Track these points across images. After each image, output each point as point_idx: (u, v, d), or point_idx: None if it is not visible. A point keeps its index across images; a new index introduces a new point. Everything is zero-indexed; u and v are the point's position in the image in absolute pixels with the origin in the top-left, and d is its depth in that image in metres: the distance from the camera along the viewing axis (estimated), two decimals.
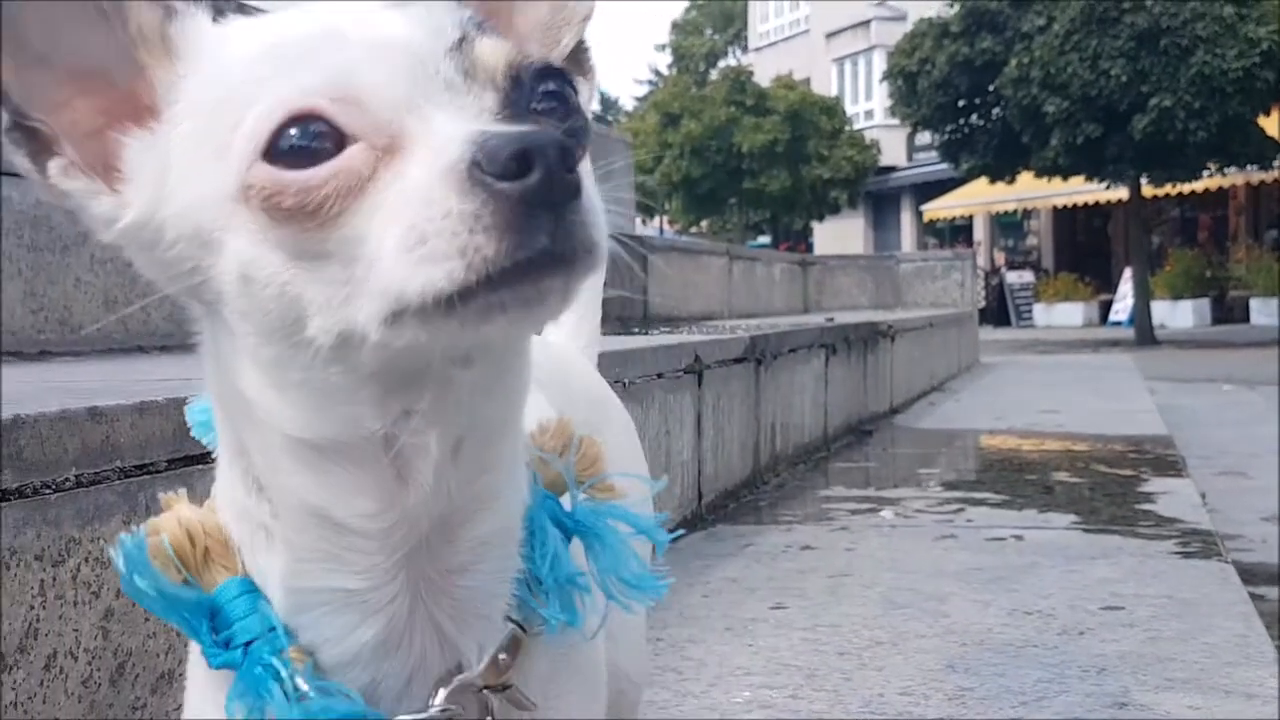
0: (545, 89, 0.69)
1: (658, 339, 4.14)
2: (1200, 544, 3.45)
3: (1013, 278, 24.26)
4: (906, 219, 28.46)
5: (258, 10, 0.73)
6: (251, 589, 0.73)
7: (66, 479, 1.25)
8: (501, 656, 0.75)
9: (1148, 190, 17.27)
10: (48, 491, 1.23)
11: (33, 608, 1.20)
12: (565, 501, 0.81)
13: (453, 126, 0.63)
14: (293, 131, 0.64)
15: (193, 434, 0.85)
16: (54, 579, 1.23)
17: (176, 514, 0.75)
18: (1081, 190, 20.27)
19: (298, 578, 0.72)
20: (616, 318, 5.24)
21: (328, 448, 0.68)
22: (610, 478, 0.84)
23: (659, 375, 3.41)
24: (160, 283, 0.72)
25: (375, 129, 0.64)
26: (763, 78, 25.61)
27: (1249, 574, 3.12)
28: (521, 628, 0.77)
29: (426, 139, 0.63)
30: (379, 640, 0.72)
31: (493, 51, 0.67)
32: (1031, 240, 27.55)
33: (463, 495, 0.71)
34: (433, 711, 0.73)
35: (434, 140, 0.63)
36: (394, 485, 0.69)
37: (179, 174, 0.68)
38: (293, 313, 0.65)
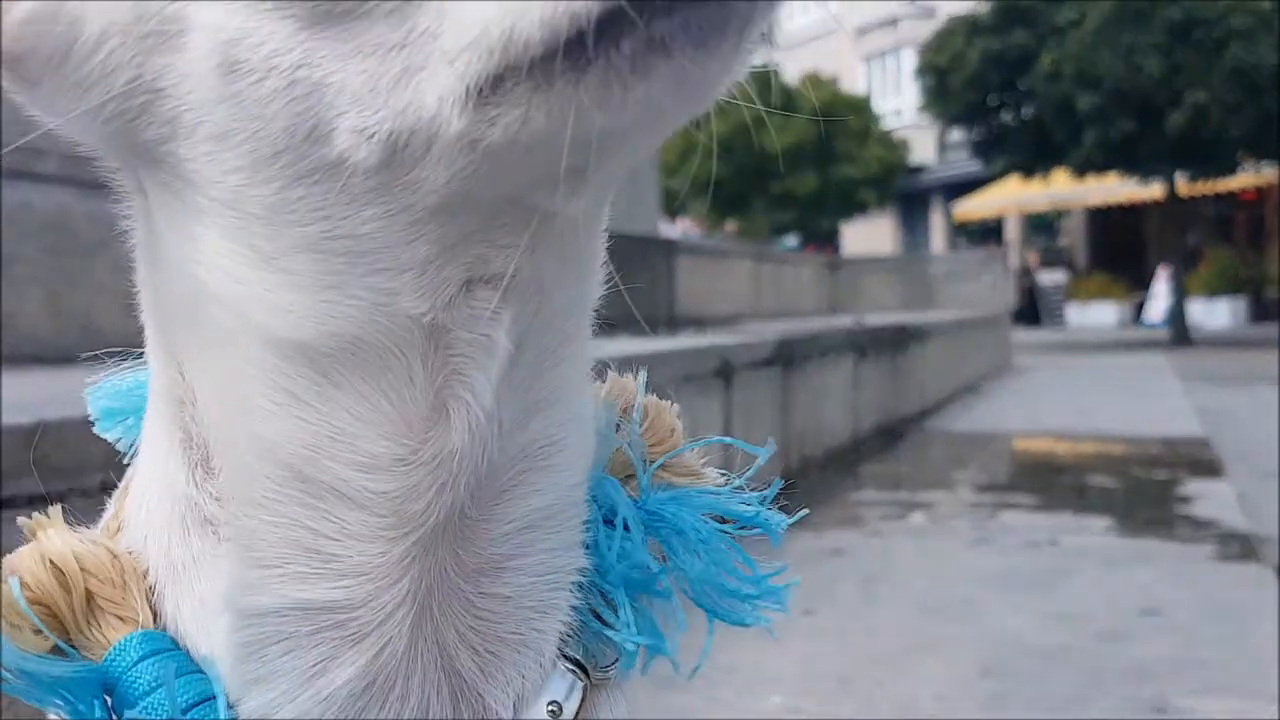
0: None
1: (684, 341, 4.13)
2: (1239, 547, 3.39)
3: (1045, 278, 24.06)
4: (937, 219, 28.28)
5: None
6: (165, 646, 0.48)
7: (92, 485, 1.26)
8: (552, 707, 0.51)
9: (1183, 189, 17.07)
10: (75, 497, 1.23)
11: None
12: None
13: None
14: None
15: (95, 427, 0.62)
16: None
17: (39, 546, 0.49)
18: (1115, 189, 20.07)
19: (248, 592, 0.46)
20: (642, 319, 5.22)
21: (334, 356, 0.44)
22: (687, 453, 0.60)
23: (686, 378, 3.40)
24: (77, 129, 0.47)
25: None
26: (790, 76, 25.56)
27: None
28: (583, 668, 0.52)
29: None
30: (359, 686, 0.47)
31: None
32: (1064, 240, 27.32)
33: (514, 440, 0.47)
34: None
35: None
36: (427, 415, 0.44)
37: None
38: (309, 115, 0.41)
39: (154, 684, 0.47)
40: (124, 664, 0.47)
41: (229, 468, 0.47)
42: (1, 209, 2.30)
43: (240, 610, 0.47)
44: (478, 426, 0.45)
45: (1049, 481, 4.86)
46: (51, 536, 0.50)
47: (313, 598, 0.46)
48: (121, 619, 0.49)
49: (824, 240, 27.58)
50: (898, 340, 6.51)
